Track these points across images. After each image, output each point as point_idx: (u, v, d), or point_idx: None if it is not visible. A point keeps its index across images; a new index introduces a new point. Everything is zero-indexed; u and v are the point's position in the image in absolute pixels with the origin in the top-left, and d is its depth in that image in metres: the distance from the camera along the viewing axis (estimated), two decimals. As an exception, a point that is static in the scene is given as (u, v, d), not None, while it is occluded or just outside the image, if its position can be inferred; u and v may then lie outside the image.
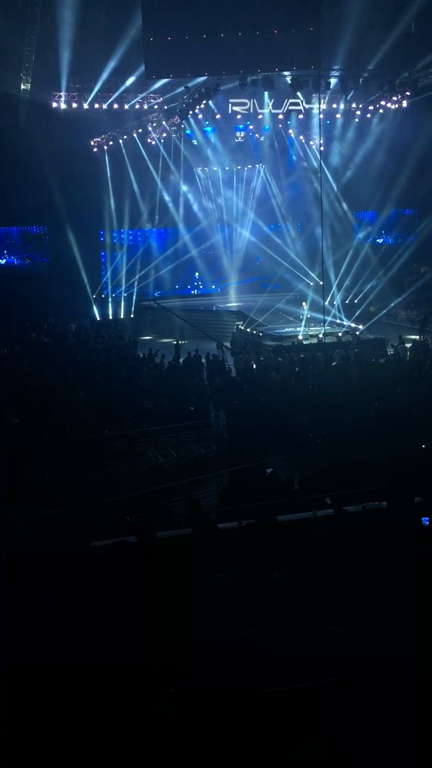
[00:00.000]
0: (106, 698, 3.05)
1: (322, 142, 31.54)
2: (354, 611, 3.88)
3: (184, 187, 35.25)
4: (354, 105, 30.87)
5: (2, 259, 35.25)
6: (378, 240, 37.50)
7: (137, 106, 29.91)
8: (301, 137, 34.44)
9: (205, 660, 3.28)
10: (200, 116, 31.10)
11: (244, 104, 30.26)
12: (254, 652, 3.39)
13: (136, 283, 34.04)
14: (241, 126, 32.56)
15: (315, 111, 30.01)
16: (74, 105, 28.55)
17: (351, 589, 4.17)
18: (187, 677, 3.16)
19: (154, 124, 31.84)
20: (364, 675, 3.19)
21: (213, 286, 37.16)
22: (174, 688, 3.05)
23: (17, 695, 3.10)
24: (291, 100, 30.15)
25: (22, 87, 26.43)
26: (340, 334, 25.85)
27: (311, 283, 32.18)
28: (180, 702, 3.00)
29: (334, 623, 3.61)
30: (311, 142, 34.25)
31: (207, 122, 32.01)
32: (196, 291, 37.36)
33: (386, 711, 3.05)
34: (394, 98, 29.41)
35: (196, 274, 37.04)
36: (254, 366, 21.06)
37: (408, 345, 22.84)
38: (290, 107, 30.70)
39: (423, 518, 5.78)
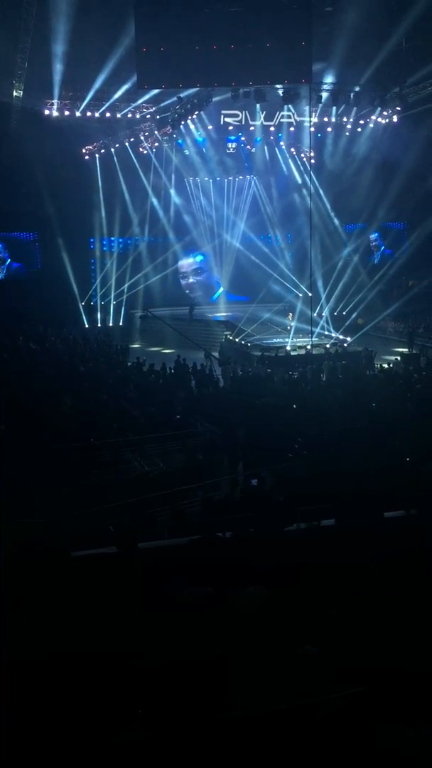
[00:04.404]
0: (76, 723, 2.91)
1: (312, 154, 31.81)
2: (331, 629, 3.85)
3: (175, 197, 35.33)
4: (345, 119, 31.14)
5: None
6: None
7: (129, 115, 30.02)
8: (292, 149, 34.69)
9: (177, 681, 3.20)
10: (192, 126, 31.29)
11: (236, 116, 30.52)
12: (228, 671, 3.32)
13: (125, 291, 34.02)
14: (232, 137, 32.81)
15: (306, 124, 30.25)
16: (66, 113, 28.61)
17: (328, 606, 4.15)
18: (157, 699, 3.05)
19: (146, 134, 31.98)
20: (341, 697, 3.11)
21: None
22: (143, 710, 2.94)
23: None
24: (282, 113, 30.40)
25: (15, 94, 26.43)
26: (327, 346, 25.94)
27: (300, 294, 32.28)
28: (149, 727, 2.87)
29: (310, 642, 3.56)
30: (302, 154, 34.49)
31: (199, 132, 32.20)
32: None
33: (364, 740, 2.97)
34: (385, 113, 29.70)
35: None
36: (241, 374, 21.03)
37: (386, 365, 22.33)
38: (281, 119, 30.94)
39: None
